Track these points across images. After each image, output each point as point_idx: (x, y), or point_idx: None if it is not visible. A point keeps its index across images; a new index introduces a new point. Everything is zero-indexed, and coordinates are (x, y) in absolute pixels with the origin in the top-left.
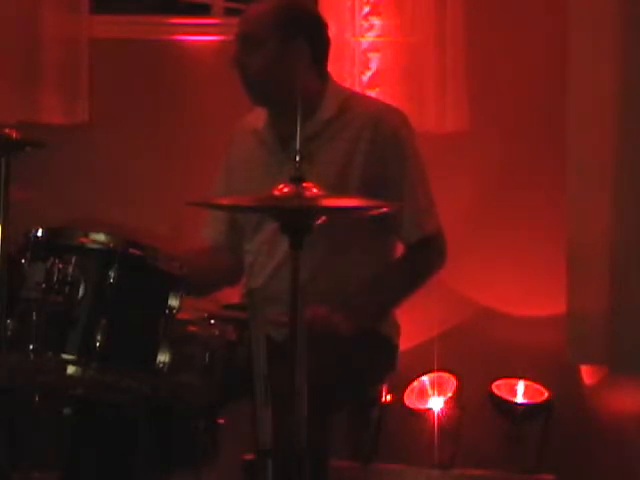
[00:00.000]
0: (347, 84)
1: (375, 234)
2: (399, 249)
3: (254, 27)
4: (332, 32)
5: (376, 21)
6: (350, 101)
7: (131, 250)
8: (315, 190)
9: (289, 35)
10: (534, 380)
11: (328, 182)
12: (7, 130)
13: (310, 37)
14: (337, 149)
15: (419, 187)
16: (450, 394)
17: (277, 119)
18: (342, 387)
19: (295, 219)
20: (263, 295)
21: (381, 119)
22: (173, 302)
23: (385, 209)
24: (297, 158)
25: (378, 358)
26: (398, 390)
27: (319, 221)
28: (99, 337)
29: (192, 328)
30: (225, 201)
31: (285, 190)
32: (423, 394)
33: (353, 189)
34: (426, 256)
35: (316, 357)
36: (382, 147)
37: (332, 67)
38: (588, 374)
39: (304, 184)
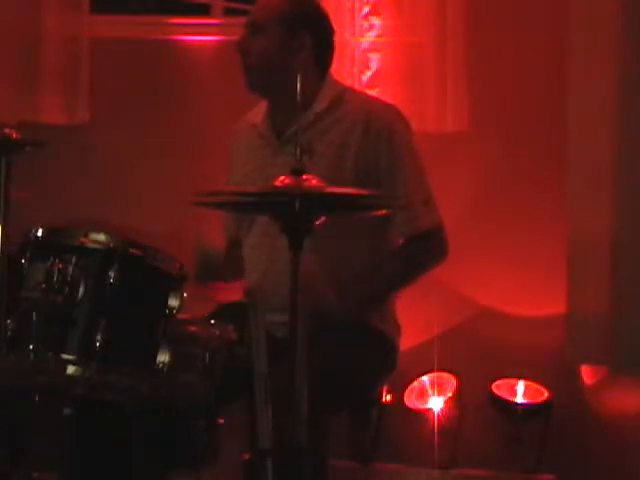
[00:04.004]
0: (347, 84)
1: (373, 229)
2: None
3: (262, 14)
4: None
5: (376, 21)
6: (344, 96)
7: (131, 250)
8: (314, 181)
9: (294, 29)
10: (534, 380)
11: (321, 174)
12: (7, 130)
13: (315, 36)
14: (330, 142)
15: (413, 181)
16: (450, 394)
17: (274, 112)
18: (342, 386)
19: (294, 213)
20: (259, 290)
21: (374, 113)
22: (173, 302)
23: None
24: (298, 151)
25: (379, 358)
26: (398, 390)
27: (318, 222)
28: (99, 337)
29: (192, 328)
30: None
31: (285, 182)
32: (423, 394)
33: (347, 182)
34: (423, 249)
35: (317, 357)
36: (374, 140)
37: (332, 67)
38: (588, 374)
39: (304, 176)
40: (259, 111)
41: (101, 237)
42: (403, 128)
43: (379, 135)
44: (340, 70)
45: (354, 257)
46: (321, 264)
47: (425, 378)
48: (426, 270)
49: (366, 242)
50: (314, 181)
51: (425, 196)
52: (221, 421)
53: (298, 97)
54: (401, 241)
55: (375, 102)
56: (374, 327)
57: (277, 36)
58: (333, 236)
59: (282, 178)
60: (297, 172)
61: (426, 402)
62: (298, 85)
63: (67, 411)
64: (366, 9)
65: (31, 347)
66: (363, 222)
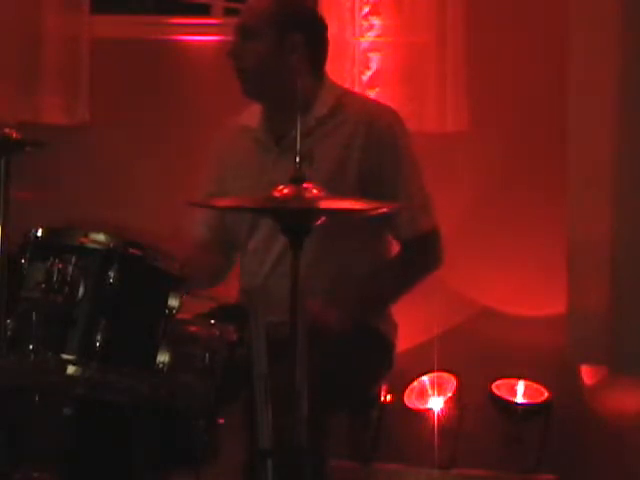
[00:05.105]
0: (347, 84)
1: (370, 231)
2: (395, 247)
3: (251, 18)
4: (332, 32)
5: (376, 21)
6: (344, 99)
7: (131, 250)
8: (315, 191)
9: (285, 30)
10: (534, 380)
11: (323, 179)
12: (7, 130)
13: (307, 35)
14: (332, 146)
15: (413, 184)
16: (450, 394)
17: (271, 116)
18: (339, 385)
19: (295, 221)
20: (262, 293)
21: (375, 116)
22: (173, 302)
23: (383, 210)
24: (297, 159)
25: (375, 356)
26: (398, 390)
27: (319, 222)
28: (99, 337)
29: (192, 328)
30: (225, 202)
31: (285, 191)
32: (423, 394)
33: (349, 186)
34: (422, 255)
35: (313, 356)
36: (377, 144)
37: (332, 67)
38: (588, 374)
39: (304, 185)
40: (253, 114)
41: (101, 237)
42: (403, 130)
43: (381, 138)
44: (340, 70)
45: (354, 268)
46: (321, 270)
47: (425, 378)
48: (425, 275)
49: (366, 246)
50: (314, 190)
51: (423, 199)
52: (221, 421)
53: (294, 98)
54: (399, 247)
55: (375, 105)
56: (371, 326)
57: (268, 39)
58: (333, 239)
59: (281, 187)
60: (297, 180)
61: (426, 402)
62: (297, 86)
63: (67, 411)
64: (366, 9)
65: (31, 347)
66: (362, 225)
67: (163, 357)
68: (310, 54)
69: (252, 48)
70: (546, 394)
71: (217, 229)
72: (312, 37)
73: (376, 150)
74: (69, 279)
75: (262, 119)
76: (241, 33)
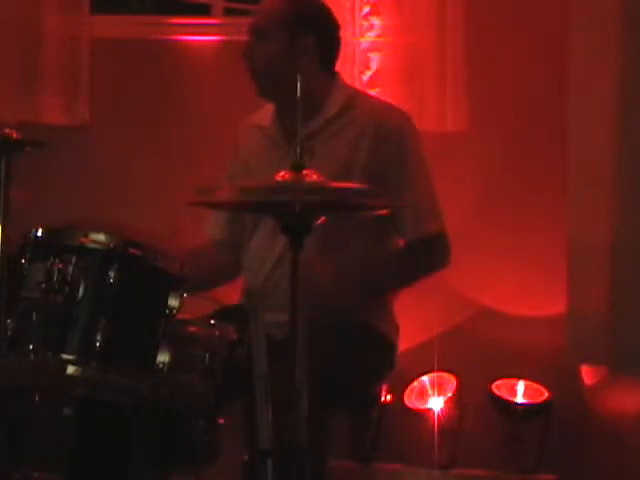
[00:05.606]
0: (354, 86)
1: (373, 231)
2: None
3: (263, 19)
4: None
5: (376, 21)
6: (354, 100)
7: (131, 250)
8: (315, 176)
9: (296, 31)
10: (534, 380)
11: (330, 178)
12: (7, 130)
13: (319, 36)
14: (340, 146)
15: (421, 186)
16: (450, 394)
17: (283, 115)
18: (339, 385)
19: (293, 213)
20: (262, 293)
21: (384, 117)
22: (173, 302)
23: (387, 208)
24: (298, 150)
25: (375, 356)
26: (398, 390)
27: (319, 221)
28: (99, 337)
29: (192, 328)
30: (224, 200)
31: (285, 177)
32: (423, 394)
33: None
34: (427, 255)
35: (313, 356)
36: (384, 145)
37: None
38: (588, 374)
39: (304, 171)
40: (266, 113)
41: (101, 237)
42: (413, 134)
43: (389, 140)
44: (340, 70)
45: (354, 256)
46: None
47: (425, 378)
48: (426, 275)
49: (368, 246)
50: (314, 176)
51: (431, 203)
52: (221, 421)
53: (299, 98)
54: (402, 243)
55: (385, 106)
56: (373, 327)
57: (280, 40)
58: (334, 237)
59: (282, 173)
60: (297, 167)
61: (426, 402)
62: (299, 86)
63: (67, 411)
64: (366, 9)
65: (31, 347)
66: (365, 225)
67: (163, 357)
68: (321, 54)
69: (263, 49)
70: (546, 394)
71: (228, 228)
72: (324, 38)
73: (383, 151)
74: (69, 279)
75: (274, 118)
76: (253, 34)
